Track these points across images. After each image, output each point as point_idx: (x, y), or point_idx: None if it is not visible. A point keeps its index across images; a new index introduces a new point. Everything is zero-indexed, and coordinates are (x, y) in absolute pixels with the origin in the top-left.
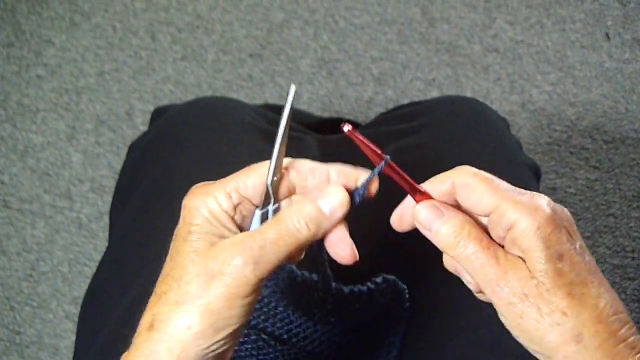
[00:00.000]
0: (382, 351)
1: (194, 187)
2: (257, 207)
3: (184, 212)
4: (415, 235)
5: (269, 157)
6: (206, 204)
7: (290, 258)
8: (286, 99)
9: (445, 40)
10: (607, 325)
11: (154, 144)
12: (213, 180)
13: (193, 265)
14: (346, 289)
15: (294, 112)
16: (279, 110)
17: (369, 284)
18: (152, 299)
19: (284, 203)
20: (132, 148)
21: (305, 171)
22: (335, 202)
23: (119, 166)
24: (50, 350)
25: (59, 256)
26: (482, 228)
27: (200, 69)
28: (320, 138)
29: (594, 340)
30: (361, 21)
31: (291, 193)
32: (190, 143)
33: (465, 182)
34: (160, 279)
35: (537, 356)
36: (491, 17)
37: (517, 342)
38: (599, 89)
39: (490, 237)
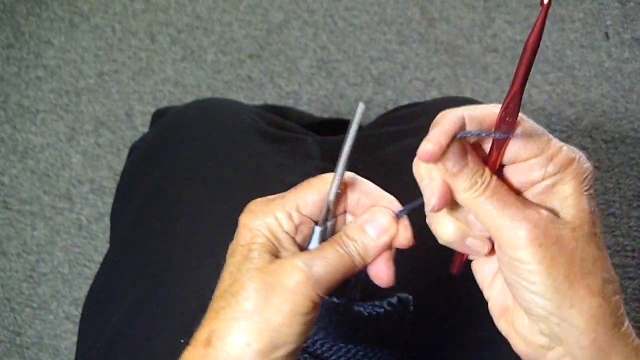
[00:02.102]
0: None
1: (251, 204)
2: (316, 223)
3: (242, 231)
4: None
5: (267, 158)
6: (267, 225)
7: (345, 279)
8: (354, 117)
9: (444, 40)
10: (617, 286)
11: (154, 146)
12: (214, 180)
13: (252, 281)
14: (365, 312)
15: (293, 112)
16: (278, 110)
17: (385, 305)
18: (209, 314)
19: (340, 219)
20: (133, 149)
21: (361, 191)
22: (382, 226)
23: (118, 167)
24: (51, 351)
25: (59, 257)
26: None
27: (199, 70)
28: (320, 139)
29: (612, 296)
30: (360, 21)
31: (344, 210)
32: (190, 144)
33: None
34: (216, 294)
35: (538, 310)
36: (490, 16)
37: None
38: (598, 88)
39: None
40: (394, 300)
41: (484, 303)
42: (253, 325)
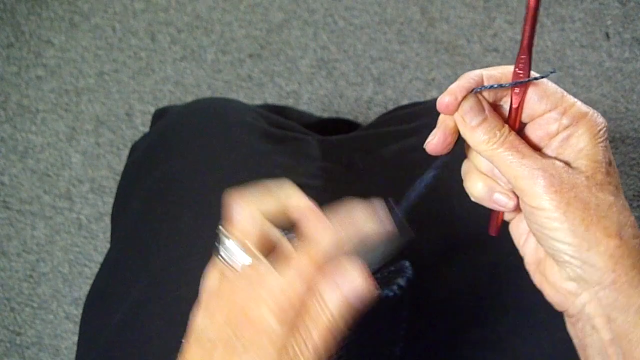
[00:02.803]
0: (386, 351)
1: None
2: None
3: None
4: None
5: (269, 158)
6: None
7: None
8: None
9: (444, 40)
10: (637, 231)
11: (155, 146)
12: (215, 180)
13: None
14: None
15: (293, 112)
16: (278, 110)
17: (394, 287)
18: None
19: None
20: (133, 149)
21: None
22: (354, 283)
23: (118, 167)
24: (51, 350)
25: (59, 257)
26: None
27: (199, 69)
28: (320, 138)
29: (631, 239)
30: (360, 21)
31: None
32: (191, 144)
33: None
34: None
35: (561, 255)
36: (490, 16)
37: (518, 341)
38: (599, 88)
39: None
40: (402, 283)
41: (485, 302)
42: None
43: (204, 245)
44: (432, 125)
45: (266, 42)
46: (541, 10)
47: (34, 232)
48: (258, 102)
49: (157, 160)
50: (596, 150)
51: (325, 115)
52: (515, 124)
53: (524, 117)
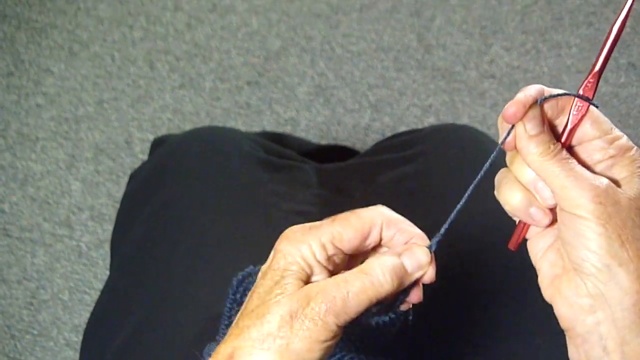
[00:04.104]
0: None
1: (289, 231)
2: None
3: (277, 255)
4: None
5: (266, 186)
6: (301, 253)
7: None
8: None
9: (441, 67)
10: None
11: (154, 174)
12: (213, 208)
13: (278, 306)
14: (373, 322)
15: (291, 139)
16: (276, 138)
17: (390, 313)
18: (233, 331)
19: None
20: (132, 177)
21: (397, 228)
22: (420, 262)
23: (118, 194)
24: None
25: (59, 284)
26: None
27: (198, 97)
28: (317, 166)
29: None
30: (357, 48)
31: (378, 243)
32: (189, 173)
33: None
34: (243, 312)
35: (589, 267)
36: (487, 43)
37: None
38: None
39: None
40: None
41: (481, 327)
42: (275, 347)
43: (203, 271)
44: (427, 153)
45: (264, 69)
46: (537, 36)
47: (34, 259)
48: (256, 129)
49: (156, 188)
50: (637, 181)
51: (323, 142)
52: (566, 143)
53: (574, 139)
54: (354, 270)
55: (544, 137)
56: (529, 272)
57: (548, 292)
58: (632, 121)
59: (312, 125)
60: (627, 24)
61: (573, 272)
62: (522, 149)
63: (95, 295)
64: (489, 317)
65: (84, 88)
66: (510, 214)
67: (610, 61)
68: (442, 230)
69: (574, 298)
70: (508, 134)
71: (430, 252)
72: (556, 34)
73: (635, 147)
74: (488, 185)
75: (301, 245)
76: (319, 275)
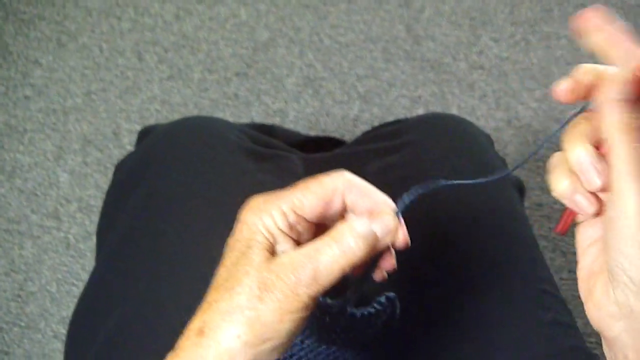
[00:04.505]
0: None
1: (251, 201)
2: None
3: (241, 226)
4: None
5: (252, 176)
6: (264, 222)
7: (342, 276)
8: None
9: (430, 58)
10: None
11: (140, 164)
12: (199, 198)
13: (247, 278)
14: (358, 313)
15: (279, 130)
16: (264, 129)
17: (375, 305)
18: (203, 306)
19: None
20: (118, 168)
21: (359, 192)
22: (389, 227)
23: (106, 185)
24: None
25: (47, 276)
26: None
27: (186, 88)
28: (304, 156)
29: None
30: (346, 39)
31: (344, 210)
32: (175, 163)
33: None
34: (212, 287)
35: (622, 275)
36: (476, 34)
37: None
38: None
39: None
40: (382, 299)
41: (469, 316)
42: (244, 319)
43: (189, 262)
44: (414, 142)
45: (252, 60)
46: (527, 28)
47: (22, 251)
48: (245, 120)
49: (142, 179)
50: None
51: (312, 133)
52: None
53: None
54: (324, 238)
55: (633, 109)
56: (516, 264)
57: (582, 287)
58: None
59: (300, 116)
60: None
61: (607, 274)
62: (607, 115)
63: (83, 287)
64: (476, 308)
65: (72, 79)
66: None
67: None
68: (408, 193)
69: (604, 302)
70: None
71: (398, 217)
72: (546, 26)
73: None
74: (482, 177)
75: (263, 215)
76: (282, 245)
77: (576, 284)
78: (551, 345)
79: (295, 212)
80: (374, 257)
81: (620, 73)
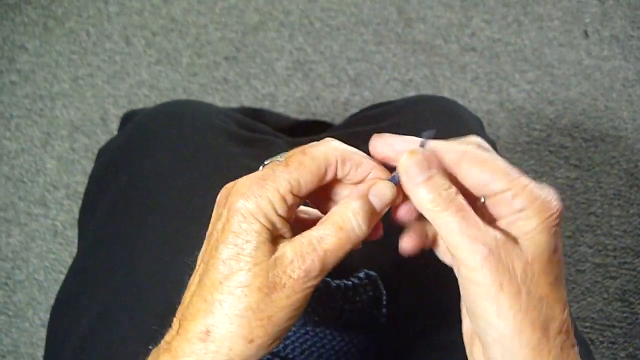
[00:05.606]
0: (358, 358)
1: (240, 186)
2: (307, 204)
3: (235, 215)
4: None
5: (237, 160)
6: (261, 209)
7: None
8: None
9: (421, 40)
10: (568, 322)
11: (123, 149)
12: (182, 183)
13: (253, 278)
14: (333, 283)
15: (269, 114)
16: (254, 113)
17: (352, 278)
18: (200, 306)
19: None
20: (101, 153)
21: (352, 163)
22: (387, 197)
23: None
24: (27, 358)
25: (35, 264)
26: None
27: (174, 73)
28: (290, 140)
29: (556, 334)
30: (336, 22)
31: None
32: (158, 147)
33: (475, 157)
34: (206, 282)
35: (487, 337)
36: (468, 15)
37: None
38: (578, 86)
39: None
40: (361, 274)
41: (456, 303)
42: (256, 322)
43: (171, 248)
44: (402, 125)
45: (242, 44)
46: (519, 9)
47: (9, 239)
48: (234, 104)
49: (124, 164)
50: (543, 237)
51: (302, 117)
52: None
53: (478, 193)
54: (326, 224)
55: (434, 183)
56: None
57: (467, 349)
58: (615, 94)
59: (290, 100)
60: None
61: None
62: (412, 198)
63: None
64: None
65: (59, 64)
66: None
67: (593, 34)
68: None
69: None
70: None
71: (394, 184)
72: (538, 7)
73: (544, 197)
74: None
75: (259, 201)
76: (281, 229)
77: (565, 265)
78: None
79: (292, 194)
80: None
81: (410, 154)
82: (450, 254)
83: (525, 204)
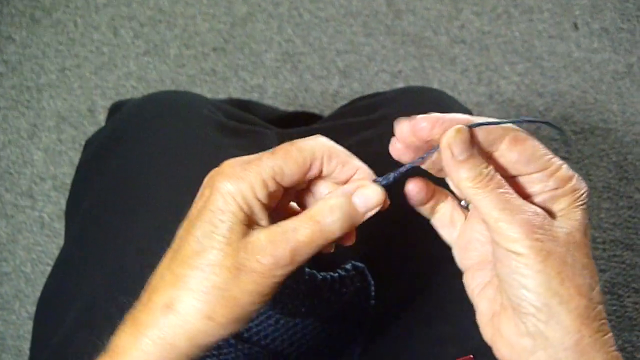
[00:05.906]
0: (346, 349)
1: (225, 166)
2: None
3: (213, 194)
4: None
5: (225, 151)
6: (241, 192)
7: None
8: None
9: (411, 32)
10: (601, 296)
11: (109, 140)
12: (169, 174)
13: (224, 257)
14: (319, 275)
15: (257, 106)
16: (242, 104)
17: (339, 270)
18: (166, 278)
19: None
20: (88, 144)
21: (339, 160)
22: (372, 202)
23: None
24: (13, 351)
25: (21, 256)
26: None
27: (162, 64)
28: (279, 131)
29: (597, 303)
30: (325, 13)
31: (319, 175)
32: (146, 138)
33: (517, 136)
34: (176, 257)
35: (527, 307)
36: (457, 7)
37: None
38: (567, 79)
39: None
40: (348, 266)
41: (449, 296)
42: (220, 301)
43: (158, 239)
44: (391, 116)
45: (230, 35)
46: (509, 1)
47: None
48: (222, 96)
49: (111, 155)
50: (576, 213)
51: (291, 109)
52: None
53: (511, 172)
54: (303, 216)
55: (474, 162)
56: None
57: (487, 331)
58: (604, 87)
59: (279, 92)
60: None
61: (512, 310)
62: (452, 176)
63: None
64: (452, 284)
65: (46, 55)
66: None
67: (583, 26)
68: (394, 172)
69: (515, 338)
70: (427, 156)
71: (382, 187)
72: None
73: (576, 176)
74: None
75: (241, 183)
76: (258, 216)
77: None
78: None
79: (275, 181)
80: None
81: (457, 132)
82: (489, 230)
83: (560, 183)
